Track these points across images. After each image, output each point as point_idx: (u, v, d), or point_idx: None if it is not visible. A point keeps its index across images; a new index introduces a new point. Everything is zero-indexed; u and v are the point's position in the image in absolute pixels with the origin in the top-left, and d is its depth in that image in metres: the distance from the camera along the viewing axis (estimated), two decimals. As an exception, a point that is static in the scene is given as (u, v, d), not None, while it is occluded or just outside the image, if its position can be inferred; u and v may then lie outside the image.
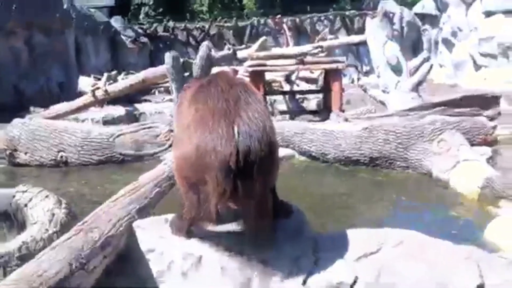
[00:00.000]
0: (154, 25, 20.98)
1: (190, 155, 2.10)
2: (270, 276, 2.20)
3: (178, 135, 2.34)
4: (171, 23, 20.83)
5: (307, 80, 10.46)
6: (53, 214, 2.77)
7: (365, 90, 9.17)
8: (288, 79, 9.88)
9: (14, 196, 2.89)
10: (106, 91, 8.80)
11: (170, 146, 5.37)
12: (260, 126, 2.05)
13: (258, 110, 2.12)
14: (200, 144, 2.05)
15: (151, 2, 25.23)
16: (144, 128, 5.63)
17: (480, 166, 4.18)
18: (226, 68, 8.68)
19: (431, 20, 15.05)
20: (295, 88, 9.85)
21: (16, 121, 5.82)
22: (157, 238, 2.42)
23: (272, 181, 2.28)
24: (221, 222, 2.40)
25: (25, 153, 5.58)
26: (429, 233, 2.44)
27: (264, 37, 15.29)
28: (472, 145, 4.77)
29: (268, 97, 8.48)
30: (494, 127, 5.27)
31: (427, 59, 12.99)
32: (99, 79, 10.83)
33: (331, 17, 20.12)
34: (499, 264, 2.17)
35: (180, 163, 2.22)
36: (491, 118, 5.63)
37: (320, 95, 8.89)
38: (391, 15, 14.10)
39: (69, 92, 12.18)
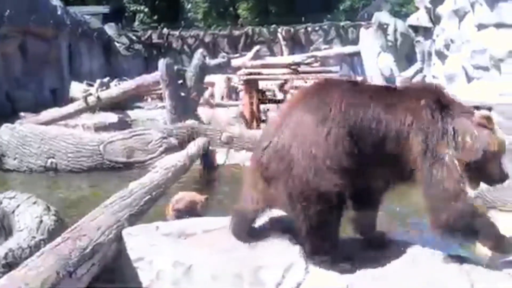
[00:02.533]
0: (149, 32, 21.01)
1: None
2: (262, 283, 2.17)
3: None
4: (165, 31, 20.87)
5: (301, 89, 10.49)
6: (41, 221, 2.72)
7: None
8: (281, 88, 9.91)
9: (1, 203, 2.84)
10: (98, 97, 8.76)
11: (162, 153, 5.33)
12: (283, 146, 2.21)
13: (299, 135, 2.21)
14: None
15: (146, 9, 25.31)
16: (135, 135, 5.59)
17: (472, 177, 4.18)
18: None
19: (425, 32, 15.18)
20: (289, 97, 9.87)
21: (5, 126, 5.77)
22: (146, 246, 2.39)
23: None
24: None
25: (14, 159, 5.52)
26: (420, 243, 2.45)
27: (258, 46, 15.39)
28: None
29: (261, 106, 8.49)
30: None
31: (420, 71, 13.11)
32: (92, 85, 10.78)
33: (325, 27, 20.28)
34: (489, 274, 2.16)
35: None
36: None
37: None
38: (385, 26, 14.23)
39: (61, 98, 12.12)
